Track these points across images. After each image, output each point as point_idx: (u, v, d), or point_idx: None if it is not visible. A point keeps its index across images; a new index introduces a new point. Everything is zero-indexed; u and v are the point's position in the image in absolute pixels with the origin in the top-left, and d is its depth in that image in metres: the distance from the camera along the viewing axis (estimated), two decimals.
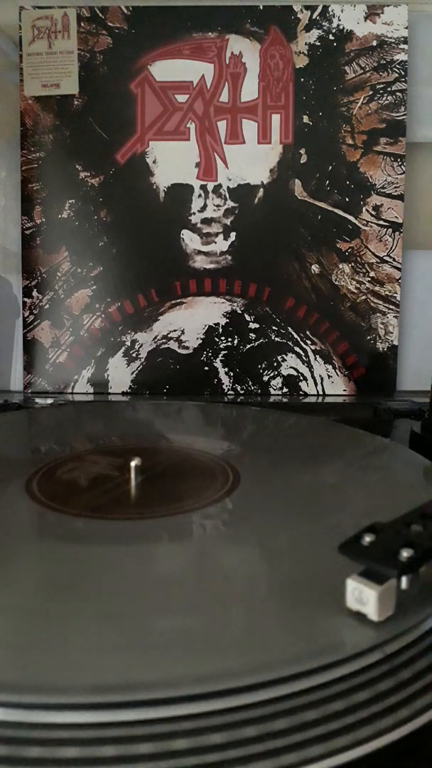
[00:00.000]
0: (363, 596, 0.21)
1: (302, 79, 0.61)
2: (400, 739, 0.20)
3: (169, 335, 0.63)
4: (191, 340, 0.63)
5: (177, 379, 0.63)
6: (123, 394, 0.63)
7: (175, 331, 0.63)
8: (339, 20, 0.61)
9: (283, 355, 0.63)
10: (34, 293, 0.63)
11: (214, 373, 0.63)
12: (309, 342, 0.63)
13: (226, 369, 0.63)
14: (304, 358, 0.63)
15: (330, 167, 0.62)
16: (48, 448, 0.45)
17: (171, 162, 0.62)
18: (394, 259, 0.62)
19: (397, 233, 0.62)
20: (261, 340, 0.63)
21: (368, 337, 0.63)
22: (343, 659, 0.20)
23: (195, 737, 0.18)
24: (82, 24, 0.61)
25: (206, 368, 0.63)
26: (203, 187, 0.62)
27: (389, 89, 0.61)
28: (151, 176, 0.62)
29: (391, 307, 0.62)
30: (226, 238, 0.62)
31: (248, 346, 0.63)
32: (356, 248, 0.62)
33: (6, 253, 0.66)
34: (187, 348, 0.63)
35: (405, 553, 0.22)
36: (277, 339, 0.63)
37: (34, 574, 0.26)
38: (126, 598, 0.24)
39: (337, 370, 0.63)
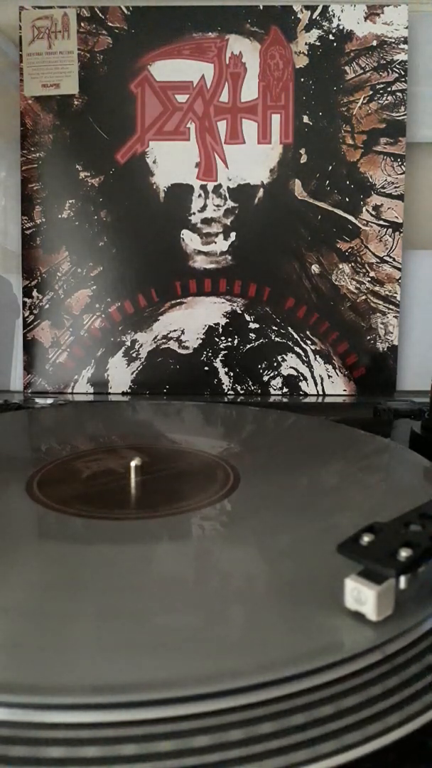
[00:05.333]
0: (362, 596, 0.21)
1: (302, 79, 0.61)
2: (400, 740, 0.20)
3: (169, 335, 0.63)
4: (191, 340, 0.63)
5: (177, 379, 0.63)
6: (123, 394, 0.63)
7: (175, 331, 0.63)
8: (339, 20, 0.61)
9: (283, 355, 0.63)
10: (34, 293, 0.63)
11: (214, 373, 0.63)
12: (309, 342, 0.63)
13: (226, 369, 0.63)
14: (304, 358, 0.63)
15: (330, 167, 0.62)
16: (48, 448, 0.45)
17: (171, 162, 0.62)
18: (394, 259, 0.62)
19: (397, 233, 0.62)
20: (261, 340, 0.63)
21: (368, 337, 0.63)
22: (342, 660, 0.20)
23: (194, 738, 0.18)
24: (82, 24, 0.61)
25: (206, 368, 0.63)
26: (203, 187, 0.62)
27: (389, 89, 0.61)
28: (151, 176, 0.62)
29: (391, 307, 0.62)
30: (226, 238, 0.62)
31: (248, 346, 0.63)
32: (356, 248, 0.62)
33: (6, 253, 0.66)
34: (187, 348, 0.63)
35: (403, 553, 0.22)
36: (277, 339, 0.63)
37: (34, 574, 0.26)
38: (126, 598, 0.24)
39: (337, 370, 0.63)
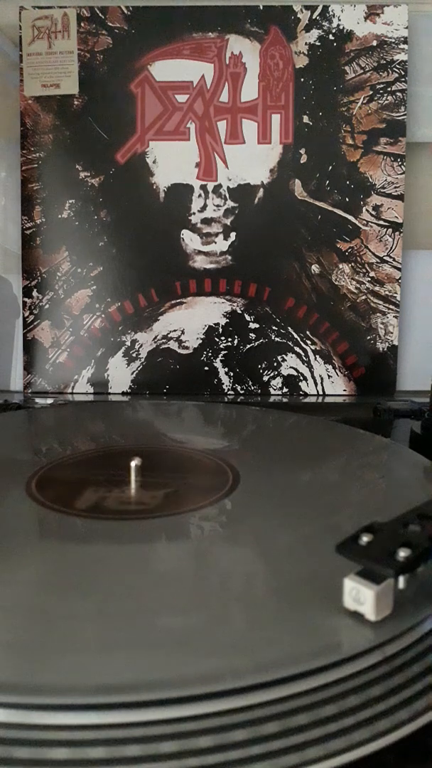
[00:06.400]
0: (360, 596, 0.21)
1: (302, 79, 0.61)
2: (400, 741, 0.20)
3: (169, 335, 0.63)
4: (191, 340, 0.63)
5: (177, 379, 0.63)
6: (123, 394, 0.63)
7: (175, 331, 0.63)
8: (339, 20, 0.61)
9: (283, 355, 0.63)
10: (34, 293, 0.63)
11: (214, 373, 0.63)
12: (309, 342, 0.63)
13: (226, 369, 0.63)
14: (304, 358, 0.63)
15: (330, 167, 0.62)
16: (48, 448, 0.45)
17: (171, 162, 0.62)
18: (394, 259, 0.62)
19: (397, 233, 0.62)
20: (261, 340, 0.63)
21: (368, 337, 0.63)
22: (341, 660, 0.20)
23: (195, 738, 0.18)
24: (82, 24, 0.61)
25: (206, 368, 0.63)
26: (203, 187, 0.62)
27: (389, 89, 0.61)
28: (151, 176, 0.62)
29: (391, 307, 0.62)
30: (226, 238, 0.62)
31: (248, 346, 0.63)
32: (356, 248, 0.62)
33: (6, 253, 0.66)
34: (187, 348, 0.63)
35: (402, 553, 0.22)
36: (277, 339, 0.63)
37: (34, 573, 0.26)
38: (126, 598, 0.24)
39: (337, 370, 0.63)
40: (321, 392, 0.63)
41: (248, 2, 0.61)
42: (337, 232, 0.62)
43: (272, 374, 0.63)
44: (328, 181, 0.62)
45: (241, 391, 0.63)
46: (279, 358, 0.63)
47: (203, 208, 0.62)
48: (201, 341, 0.63)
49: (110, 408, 0.59)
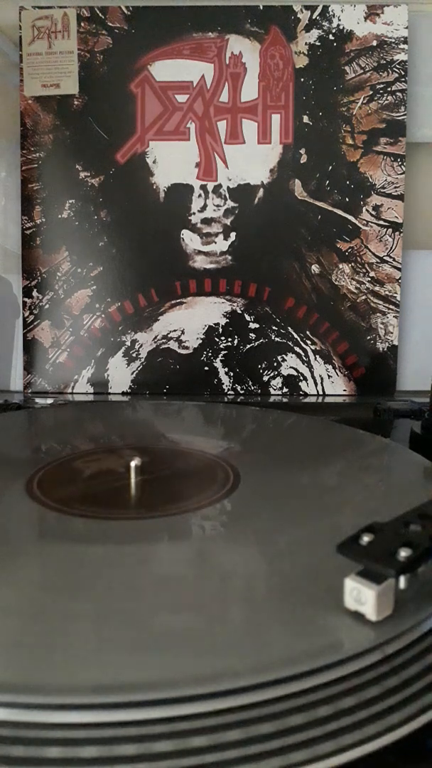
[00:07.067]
0: (361, 596, 0.21)
1: (302, 79, 0.61)
2: (400, 740, 0.20)
3: (169, 335, 0.63)
4: (191, 340, 0.63)
5: (177, 379, 0.63)
6: (123, 394, 0.63)
7: (175, 331, 0.63)
8: (339, 20, 0.61)
9: (283, 355, 0.63)
10: (34, 293, 0.63)
11: (214, 373, 0.63)
12: (309, 342, 0.63)
13: (226, 369, 0.63)
14: (304, 358, 0.63)
15: (330, 167, 0.62)
16: (48, 448, 0.45)
17: (171, 162, 0.62)
18: (394, 259, 0.62)
19: (397, 233, 0.62)
20: (261, 340, 0.63)
21: (368, 337, 0.63)
22: (343, 659, 0.20)
23: (194, 737, 0.18)
24: (82, 24, 0.61)
25: (206, 368, 0.63)
26: (203, 187, 0.62)
27: (389, 89, 0.61)
28: (151, 176, 0.62)
29: (391, 307, 0.62)
30: (226, 238, 0.62)
31: (248, 346, 0.63)
32: (356, 248, 0.62)
33: (6, 253, 0.66)
34: (187, 348, 0.63)
35: (403, 553, 0.22)
36: (277, 339, 0.63)
37: (34, 574, 0.26)
38: (126, 598, 0.24)
39: (337, 370, 0.63)
40: (321, 392, 0.63)
41: (248, 2, 0.61)
42: (337, 232, 0.62)
43: (272, 374, 0.63)
44: (328, 181, 0.62)
45: (241, 391, 0.63)
46: (279, 358, 0.63)
47: (203, 208, 0.62)
48: (201, 341, 0.63)
49: (110, 408, 0.59)
